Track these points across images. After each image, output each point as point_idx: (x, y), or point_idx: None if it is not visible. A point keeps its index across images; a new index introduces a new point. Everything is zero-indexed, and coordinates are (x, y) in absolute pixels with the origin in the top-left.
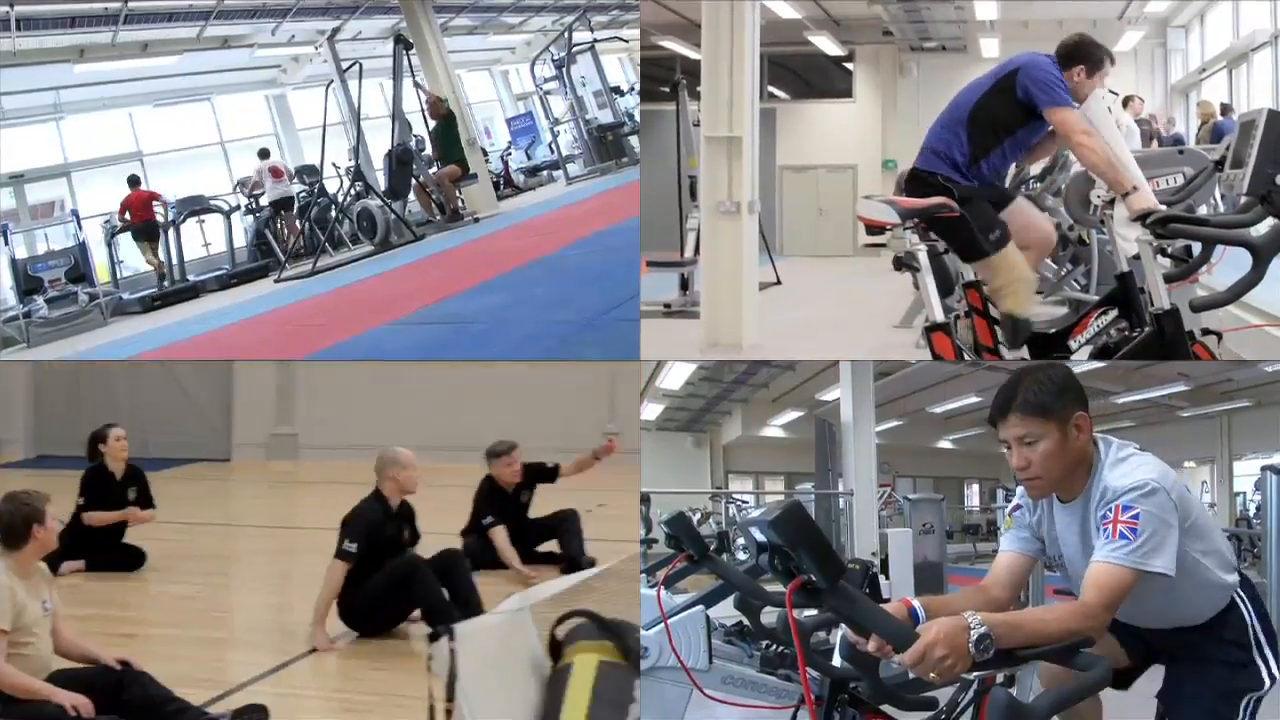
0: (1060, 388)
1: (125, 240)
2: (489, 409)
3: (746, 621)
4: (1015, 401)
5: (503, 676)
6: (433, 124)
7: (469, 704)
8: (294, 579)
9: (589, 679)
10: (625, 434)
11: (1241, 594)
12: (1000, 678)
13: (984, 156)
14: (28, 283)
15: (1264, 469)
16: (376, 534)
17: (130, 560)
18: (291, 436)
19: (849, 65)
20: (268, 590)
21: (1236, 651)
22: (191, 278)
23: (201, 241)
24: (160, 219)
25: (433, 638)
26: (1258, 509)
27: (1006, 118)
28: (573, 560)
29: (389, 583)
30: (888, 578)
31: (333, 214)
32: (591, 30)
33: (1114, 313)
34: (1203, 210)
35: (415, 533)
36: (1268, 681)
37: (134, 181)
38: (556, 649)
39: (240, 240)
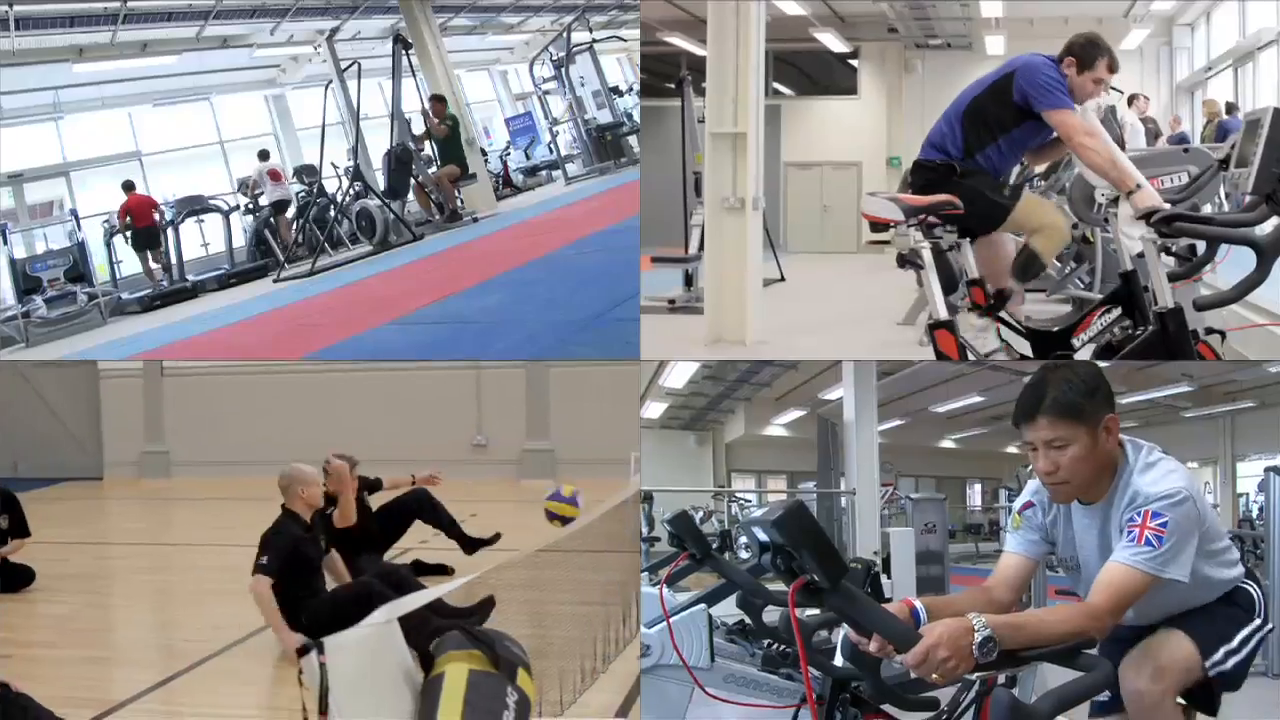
0: (1091, 389)
1: (123, 240)
2: (361, 419)
3: (748, 620)
4: (1045, 403)
5: (375, 687)
6: (434, 122)
7: (342, 716)
8: (173, 595)
9: (460, 688)
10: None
11: (1247, 581)
12: (1002, 678)
13: (979, 151)
14: (26, 282)
15: (1267, 470)
16: (297, 552)
17: (16, 580)
18: (163, 454)
19: (854, 62)
20: (147, 608)
21: (1235, 609)
22: (191, 277)
23: (200, 241)
24: (160, 224)
25: (302, 651)
26: (1260, 510)
27: (1001, 117)
28: (460, 534)
29: (352, 608)
30: (890, 577)
31: (332, 214)
32: (590, 30)
33: (1117, 311)
34: (1207, 209)
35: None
36: (1259, 619)
37: (129, 186)
38: (427, 659)
39: (239, 240)
